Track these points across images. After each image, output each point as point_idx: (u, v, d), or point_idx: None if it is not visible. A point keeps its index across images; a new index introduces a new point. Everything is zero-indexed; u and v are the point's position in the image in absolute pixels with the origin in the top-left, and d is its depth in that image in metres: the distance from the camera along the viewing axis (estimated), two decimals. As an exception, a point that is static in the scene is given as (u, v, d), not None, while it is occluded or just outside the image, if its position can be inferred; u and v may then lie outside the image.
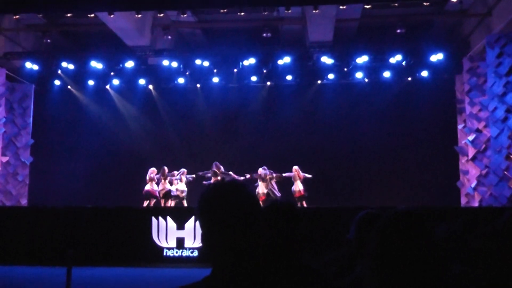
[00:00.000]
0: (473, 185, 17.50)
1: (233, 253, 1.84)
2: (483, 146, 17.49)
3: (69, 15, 18.34)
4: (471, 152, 17.86)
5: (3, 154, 19.19)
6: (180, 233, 13.89)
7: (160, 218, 14.00)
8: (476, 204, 17.21)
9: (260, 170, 17.25)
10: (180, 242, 13.88)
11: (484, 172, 17.18)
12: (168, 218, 13.99)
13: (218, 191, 1.93)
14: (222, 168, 17.59)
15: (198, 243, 13.71)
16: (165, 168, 17.75)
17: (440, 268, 1.75)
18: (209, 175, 17.58)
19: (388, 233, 1.81)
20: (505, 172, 15.91)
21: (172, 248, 13.88)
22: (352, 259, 3.21)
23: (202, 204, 1.92)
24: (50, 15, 19.03)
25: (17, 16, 17.59)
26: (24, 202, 19.74)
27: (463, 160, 18.63)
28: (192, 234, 13.82)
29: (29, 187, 20.10)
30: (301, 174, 17.25)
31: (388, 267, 1.76)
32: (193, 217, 13.77)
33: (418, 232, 1.79)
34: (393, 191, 18.92)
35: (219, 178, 17.20)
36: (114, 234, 13.94)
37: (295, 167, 17.31)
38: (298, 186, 17.13)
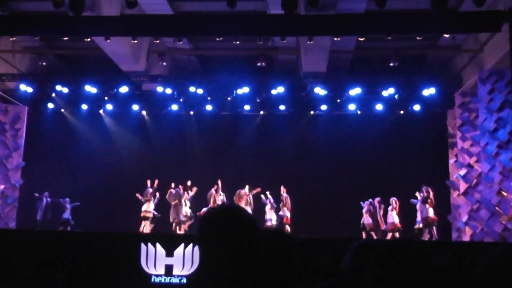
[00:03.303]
0: (464, 219, 17.51)
1: (230, 277, 1.83)
2: (475, 181, 17.54)
3: (65, 38, 18.39)
4: (463, 186, 17.91)
5: (-7, 176, 19.08)
6: (169, 260, 13.75)
7: (149, 244, 13.89)
8: (467, 238, 17.19)
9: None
10: (169, 269, 13.73)
11: (475, 207, 17.21)
12: (157, 244, 13.88)
13: (216, 216, 1.92)
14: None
15: (187, 271, 13.59)
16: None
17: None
18: None
19: (386, 262, 1.81)
20: (497, 208, 15.90)
21: (161, 275, 13.74)
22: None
23: (200, 228, 1.92)
24: (47, 38, 19.11)
25: (13, 38, 17.63)
26: (12, 225, 19.53)
27: (454, 194, 18.64)
28: (181, 261, 13.67)
29: (18, 210, 19.93)
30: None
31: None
32: (182, 244, 13.67)
33: (416, 261, 1.79)
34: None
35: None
36: (103, 259, 13.76)
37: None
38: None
